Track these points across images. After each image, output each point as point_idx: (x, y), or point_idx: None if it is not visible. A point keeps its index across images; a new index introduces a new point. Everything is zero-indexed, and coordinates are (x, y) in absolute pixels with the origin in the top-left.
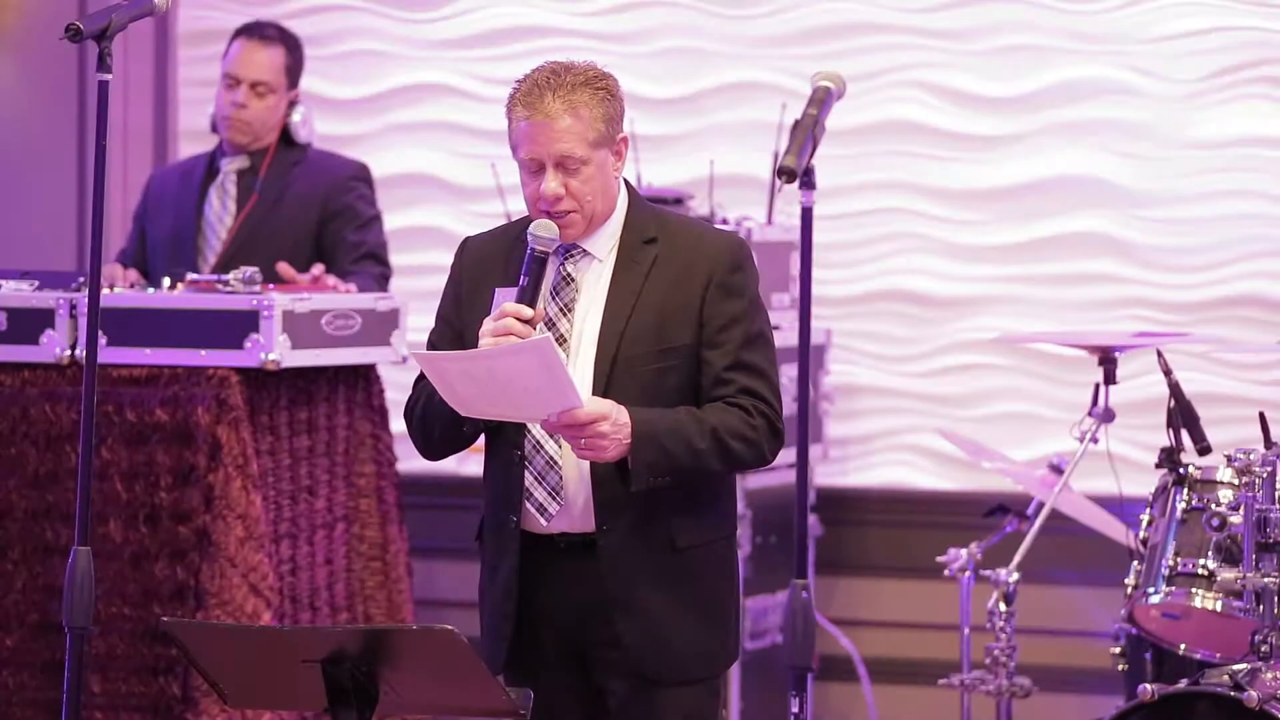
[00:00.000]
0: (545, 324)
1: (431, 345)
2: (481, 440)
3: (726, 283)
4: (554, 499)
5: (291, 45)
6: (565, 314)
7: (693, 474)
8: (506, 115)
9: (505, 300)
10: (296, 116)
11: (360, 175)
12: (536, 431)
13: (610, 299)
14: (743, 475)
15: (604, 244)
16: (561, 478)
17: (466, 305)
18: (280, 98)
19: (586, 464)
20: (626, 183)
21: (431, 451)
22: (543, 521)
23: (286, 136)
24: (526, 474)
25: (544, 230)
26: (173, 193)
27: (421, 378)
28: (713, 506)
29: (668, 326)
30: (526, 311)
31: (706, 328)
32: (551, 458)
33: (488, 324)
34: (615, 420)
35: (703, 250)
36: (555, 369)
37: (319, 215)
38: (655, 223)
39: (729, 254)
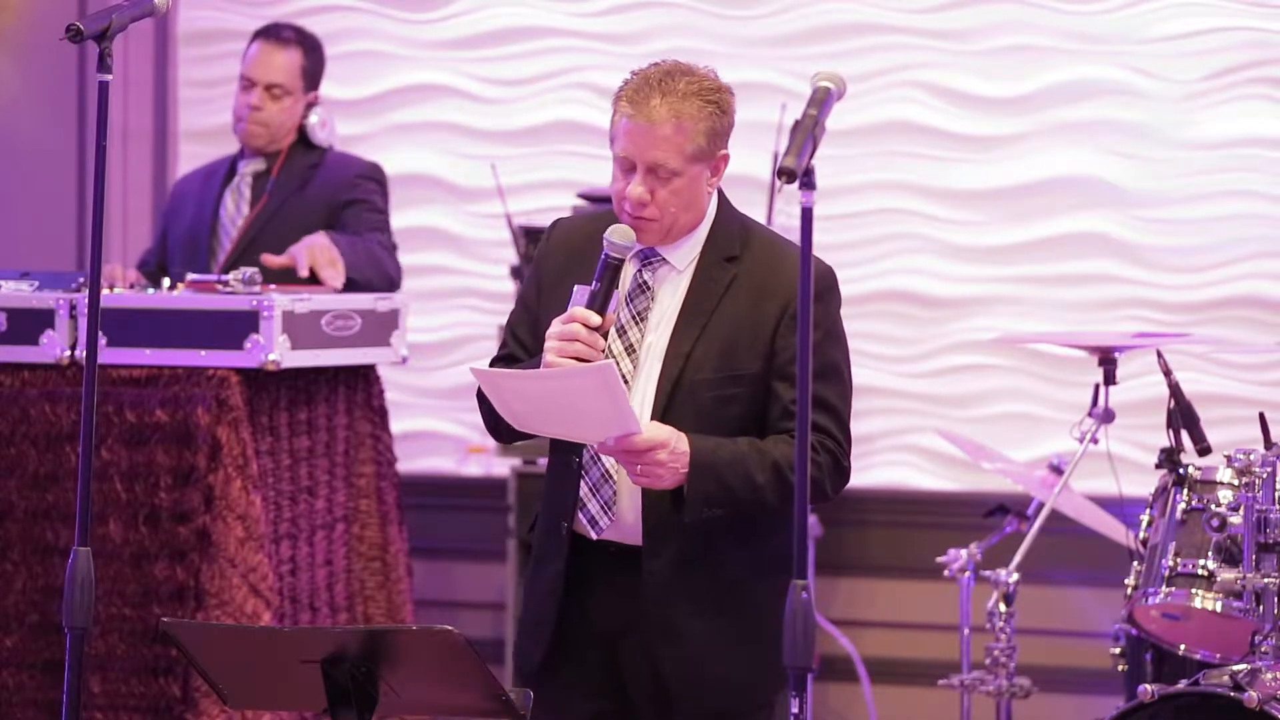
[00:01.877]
0: (616, 330)
1: (509, 328)
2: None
3: None
4: (606, 513)
5: (310, 47)
6: (637, 322)
7: (749, 507)
8: (612, 105)
9: (582, 298)
10: (313, 118)
11: (369, 173)
12: None
13: (681, 317)
14: (829, 502)
15: (685, 255)
16: (615, 492)
17: (547, 292)
18: (296, 100)
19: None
20: (720, 193)
21: (500, 438)
22: (593, 533)
23: (305, 138)
24: (582, 484)
25: (620, 237)
26: (194, 194)
27: (495, 362)
28: (764, 541)
29: (736, 353)
30: (594, 319)
31: (778, 357)
32: (607, 471)
33: (555, 325)
34: (674, 449)
35: (783, 275)
36: (616, 395)
37: (326, 214)
38: (741, 239)
39: (816, 281)
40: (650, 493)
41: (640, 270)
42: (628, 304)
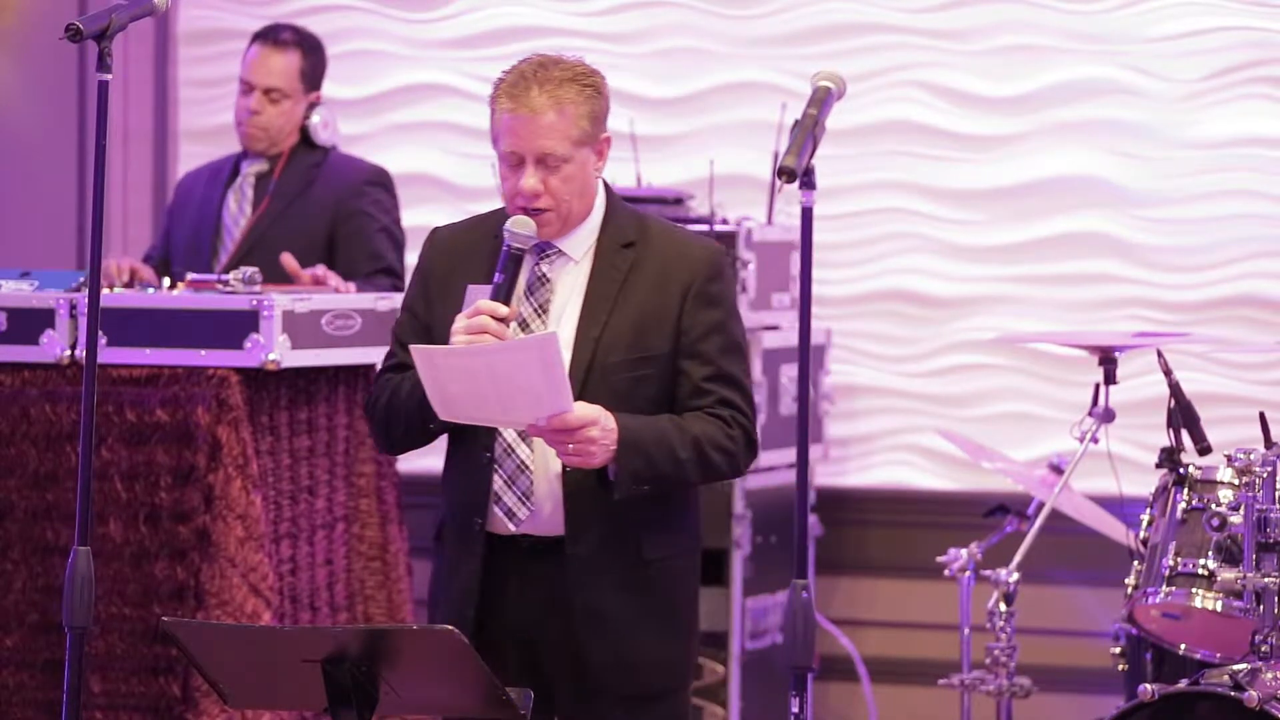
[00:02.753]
0: (519, 324)
1: (396, 337)
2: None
3: (705, 292)
4: (524, 504)
5: (309, 48)
6: (539, 315)
7: (673, 483)
8: (490, 106)
9: (478, 297)
10: (315, 118)
11: (376, 180)
12: (508, 435)
13: (586, 303)
14: (741, 476)
15: (580, 245)
16: (533, 483)
17: (437, 299)
18: (295, 103)
19: (557, 470)
20: (606, 184)
21: (392, 447)
22: (511, 526)
23: (307, 139)
24: (496, 477)
25: (521, 227)
26: (198, 194)
27: (384, 372)
28: (680, 519)
29: (644, 334)
30: (501, 309)
31: (685, 337)
32: (523, 462)
33: (460, 320)
34: (604, 426)
35: (681, 258)
36: (554, 369)
37: (330, 220)
38: (634, 226)
39: (708, 263)
40: (572, 478)
41: (537, 263)
42: (528, 297)
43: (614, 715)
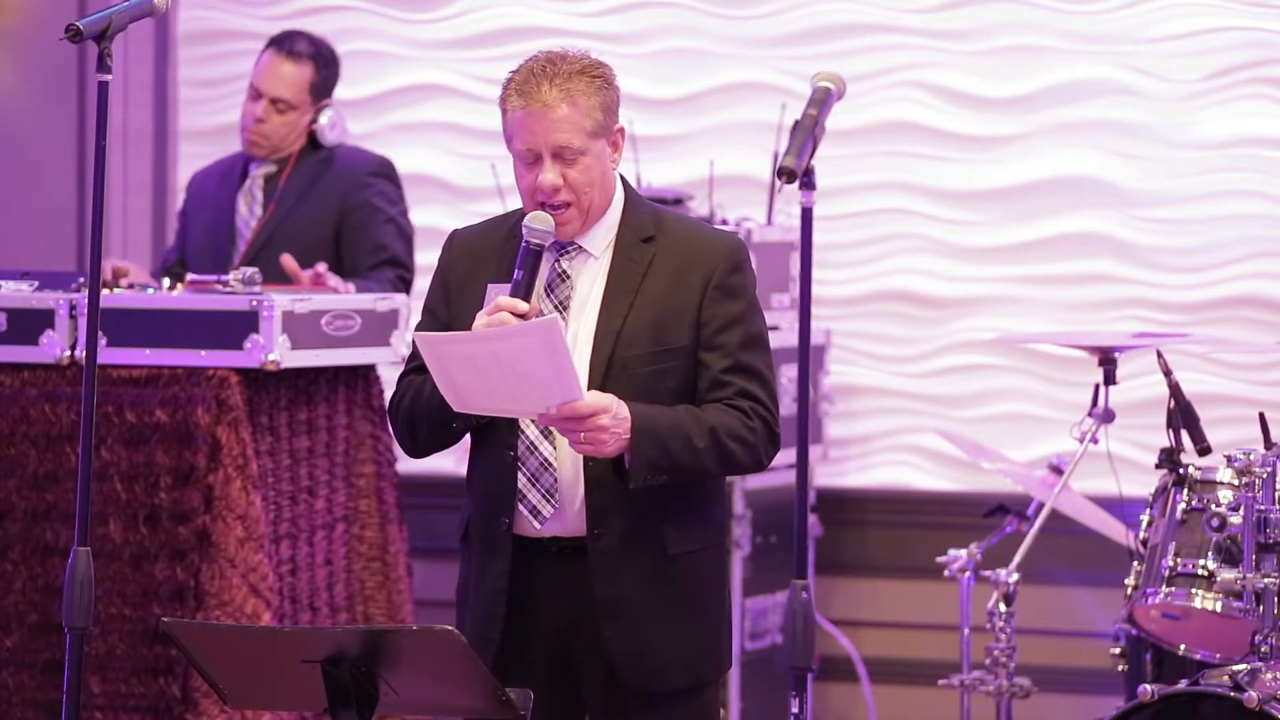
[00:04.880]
0: None
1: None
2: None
3: (725, 284)
4: (548, 501)
5: (323, 61)
6: (560, 311)
7: (690, 474)
8: (500, 106)
9: (498, 295)
10: (324, 119)
11: (379, 171)
12: (531, 433)
13: (606, 297)
14: (742, 476)
15: (600, 240)
16: (556, 480)
17: (456, 299)
18: (302, 114)
19: (581, 467)
20: (623, 179)
21: (417, 449)
22: (536, 524)
23: (315, 140)
24: (519, 475)
25: (539, 223)
26: (210, 196)
27: (406, 374)
28: (704, 513)
29: (665, 327)
30: (521, 305)
31: (705, 329)
32: (546, 459)
33: (481, 317)
34: (615, 414)
35: (701, 250)
36: (560, 353)
37: (337, 214)
38: (653, 221)
39: (728, 255)
40: (593, 472)
41: (557, 260)
42: (548, 294)
43: (644, 713)
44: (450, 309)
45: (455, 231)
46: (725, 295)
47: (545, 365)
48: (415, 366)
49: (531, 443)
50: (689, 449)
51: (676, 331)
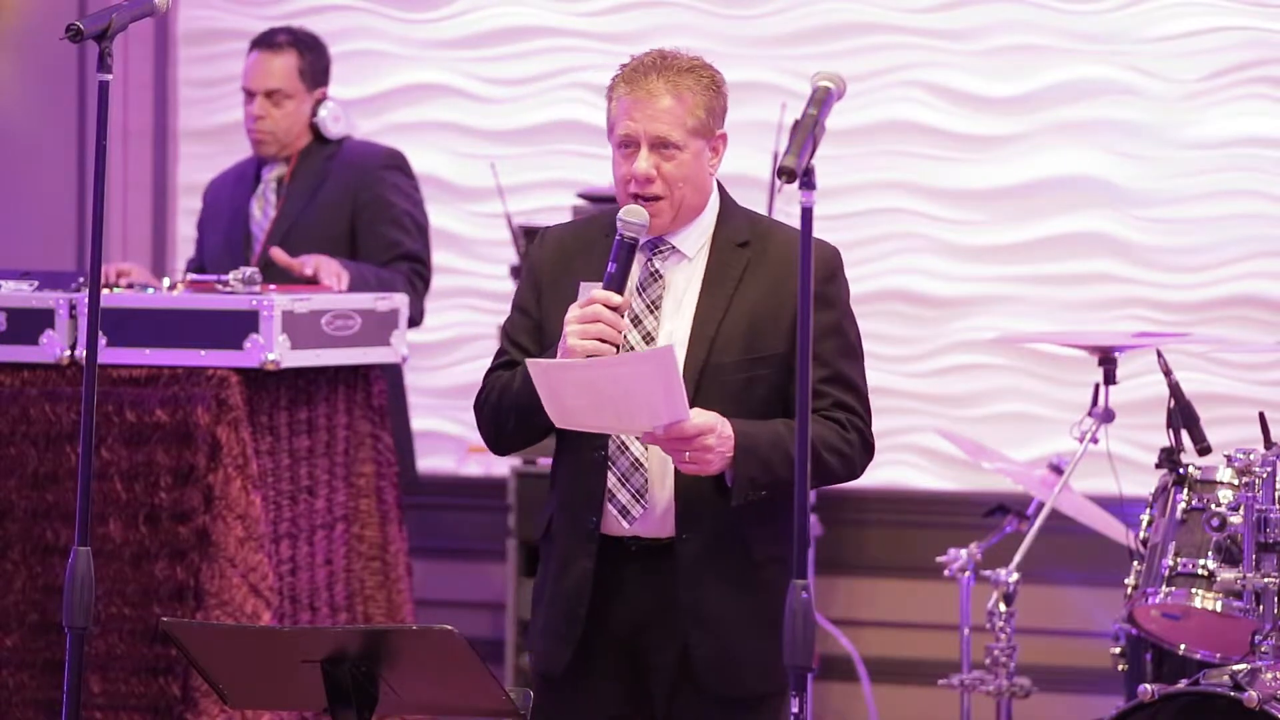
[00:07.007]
0: (630, 319)
1: (507, 335)
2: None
3: (822, 293)
4: (638, 502)
5: (306, 47)
6: (651, 311)
7: (788, 488)
8: (607, 97)
9: (590, 292)
10: (324, 112)
11: (390, 163)
12: None
13: (701, 302)
14: (857, 479)
15: (694, 242)
16: (647, 480)
17: (546, 297)
18: (300, 102)
19: (671, 468)
20: (720, 185)
21: (502, 446)
22: (624, 524)
23: (319, 135)
24: (610, 475)
25: (633, 216)
26: (226, 202)
27: (494, 369)
28: (782, 516)
29: (759, 335)
30: (615, 299)
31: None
32: (637, 459)
33: (574, 310)
34: (720, 433)
35: (797, 258)
36: (672, 380)
37: (350, 210)
38: (749, 226)
39: (824, 263)
40: (683, 476)
41: (650, 259)
42: (640, 294)
43: (719, 717)
44: (541, 306)
45: (546, 229)
46: (822, 304)
47: (657, 389)
48: (502, 363)
49: (622, 442)
50: (788, 465)
51: (771, 339)
